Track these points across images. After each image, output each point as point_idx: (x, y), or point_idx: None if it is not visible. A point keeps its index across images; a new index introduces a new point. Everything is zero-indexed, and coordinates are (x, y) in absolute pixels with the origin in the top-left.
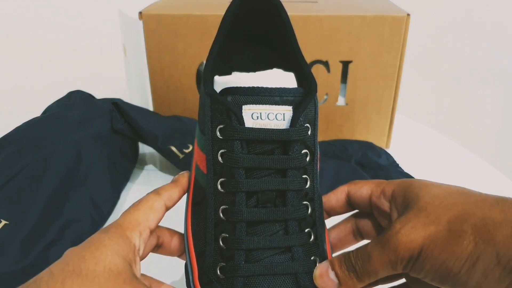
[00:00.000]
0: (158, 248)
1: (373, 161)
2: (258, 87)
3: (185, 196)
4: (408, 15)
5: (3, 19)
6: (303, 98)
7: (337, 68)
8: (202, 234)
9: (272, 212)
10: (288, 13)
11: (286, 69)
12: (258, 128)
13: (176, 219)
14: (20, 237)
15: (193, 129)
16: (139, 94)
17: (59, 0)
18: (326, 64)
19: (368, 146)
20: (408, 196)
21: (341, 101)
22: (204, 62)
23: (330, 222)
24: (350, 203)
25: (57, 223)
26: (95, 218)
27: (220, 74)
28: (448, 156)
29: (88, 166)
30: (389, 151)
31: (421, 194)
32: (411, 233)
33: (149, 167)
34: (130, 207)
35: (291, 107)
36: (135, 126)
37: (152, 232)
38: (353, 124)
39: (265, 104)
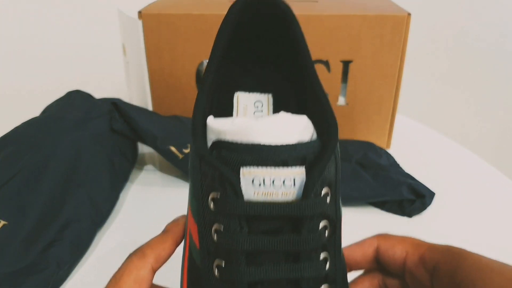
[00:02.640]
0: None
1: (374, 161)
2: (260, 145)
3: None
4: (409, 14)
5: (3, 19)
6: (320, 153)
7: (337, 68)
8: None
9: None
10: None
11: (296, 95)
12: (261, 203)
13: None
14: (19, 237)
15: None
16: (138, 94)
17: None
18: (326, 63)
19: (369, 146)
20: (459, 279)
21: (341, 101)
22: (204, 62)
23: (350, 275)
24: (378, 261)
25: (56, 223)
26: (94, 218)
27: (218, 96)
28: (448, 156)
29: (87, 166)
30: (389, 151)
31: (479, 284)
32: None
33: (149, 167)
34: (111, 280)
35: (304, 167)
36: (134, 126)
37: None
38: (354, 124)
39: (270, 166)
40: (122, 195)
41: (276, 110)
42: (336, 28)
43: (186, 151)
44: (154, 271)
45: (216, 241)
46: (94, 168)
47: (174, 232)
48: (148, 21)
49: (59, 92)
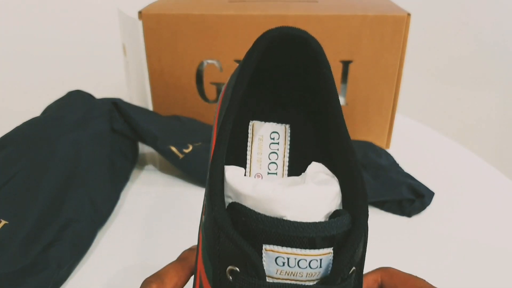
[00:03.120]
0: None
1: (373, 161)
2: (285, 221)
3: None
4: (409, 14)
5: (3, 19)
6: (350, 232)
7: (337, 68)
8: None
9: None
10: (288, 13)
11: (316, 129)
12: (284, 284)
13: None
14: (19, 237)
15: (192, 129)
16: (138, 94)
17: None
18: None
19: (368, 146)
20: None
21: (341, 101)
22: (205, 62)
23: None
24: None
25: (57, 223)
26: (95, 218)
27: (232, 129)
28: (448, 156)
29: (88, 166)
30: (389, 151)
31: None
32: None
33: (149, 167)
34: None
35: (332, 248)
36: (134, 126)
37: None
38: (353, 124)
39: (295, 247)
40: (122, 195)
41: (293, 143)
42: (336, 28)
43: (187, 151)
44: None
45: None
46: (94, 168)
47: (191, 261)
48: (148, 21)
49: (59, 92)
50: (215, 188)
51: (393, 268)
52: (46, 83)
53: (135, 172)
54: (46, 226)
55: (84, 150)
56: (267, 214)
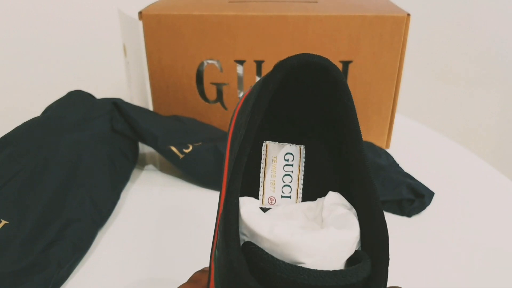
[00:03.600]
0: None
1: (373, 161)
2: (305, 269)
3: None
4: (408, 15)
5: (3, 19)
6: (370, 278)
7: None
8: None
9: None
10: (288, 13)
11: (331, 151)
12: None
13: None
14: (20, 237)
15: (193, 129)
16: (139, 94)
17: None
18: None
19: (368, 146)
20: None
21: None
22: (205, 62)
23: None
24: None
25: (57, 223)
26: (95, 218)
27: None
28: (448, 156)
29: (88, 166)
30: (389, 151)
31: None
32: None
33: (149, 167)
34: None
35: None
36: (135, 126)
37: None
38: None
39: None
40: (122, 195)
41: (308, 164)
42: (336, 28)
43: (187, 151)
44: None
45: None
46: (94, 168)
47: (204, 283)
48: (149, 21)
49: (59, 92)
50: (230, 228)
51: None
52: (46, 83)
53: (135, 172)
54: (46, 226)
55: (84, 150)
56: (285, 259)
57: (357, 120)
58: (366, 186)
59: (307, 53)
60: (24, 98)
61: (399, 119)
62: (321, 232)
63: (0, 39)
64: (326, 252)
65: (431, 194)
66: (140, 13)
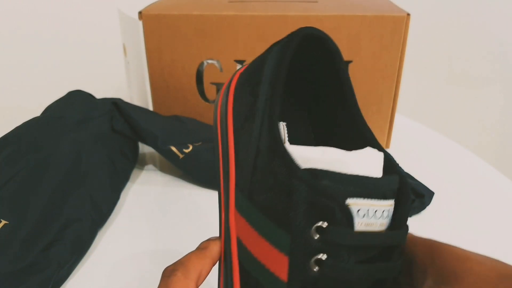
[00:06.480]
0: None
1: None
2: (363, 177)
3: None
4: (408, 15)
5: (3, 19)
6: (401, 188)
7: None
8: None
9: None
10: (288, 13)
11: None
12: (369, 233)
13: None
14: (20, 237)
15: (193, 129)
16: (139, 94)
17: None
18: None
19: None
20: (438, 270)
21: None
22: (205, 62)
23: None
24: None
25: (57, 223)
26: (95, 218)
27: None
28: (448, 156)
29: (88, 166)
30: (389, 151)
31: (460, 274)
32: None
33: (149, 167)
34: None
35: (393, 200)
36: (135, 126)
37: None
38: None
39: (374, 198)
40: (122, 195)
41: (291, 138)
42: (336, 28)
43: (187, 151)
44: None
45: (318, 271)
46: (94, 167)
47: (212, 250)
48: (149, 21)
49: (59, 92)
50: (287, 153)
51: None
52: (46, 83)
53: (135, 172)
54: (46, 226)
55: (84, 150)
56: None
57: (350, 82)
58: (363, 133)
59: (308, 27)
60: (24, 98)
61: (399, 119)
62: (363, 150)
63: (0, 39)
64: (370, 165)
65: (431, 194)
66: (140, 13)
